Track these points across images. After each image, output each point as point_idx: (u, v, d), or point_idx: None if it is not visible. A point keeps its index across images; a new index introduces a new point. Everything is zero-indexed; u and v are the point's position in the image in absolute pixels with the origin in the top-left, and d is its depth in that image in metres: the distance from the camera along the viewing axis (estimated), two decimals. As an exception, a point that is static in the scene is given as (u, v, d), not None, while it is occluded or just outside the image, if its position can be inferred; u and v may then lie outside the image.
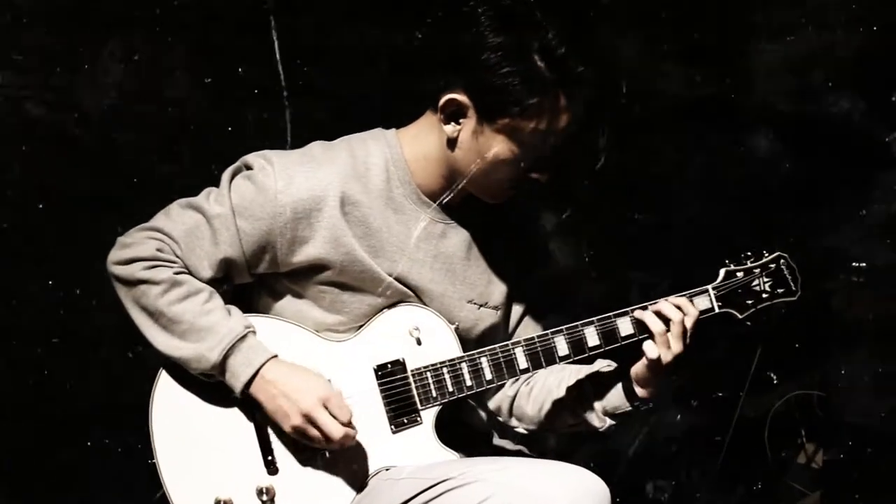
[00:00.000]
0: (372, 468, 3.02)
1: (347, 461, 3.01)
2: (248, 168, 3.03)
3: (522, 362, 3.06)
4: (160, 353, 2.98)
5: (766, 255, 3.18)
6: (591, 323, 3.07)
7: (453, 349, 3.08)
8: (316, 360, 3.02)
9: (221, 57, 4.12)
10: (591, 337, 3.07)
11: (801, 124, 4.57)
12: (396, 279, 3.05)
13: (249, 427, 3.00)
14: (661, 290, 3.09)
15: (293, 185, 2.95)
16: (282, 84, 4.16)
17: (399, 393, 3.05)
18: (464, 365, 3.06)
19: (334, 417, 2.91)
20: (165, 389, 3.01)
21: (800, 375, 4.72)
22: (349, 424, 2.93)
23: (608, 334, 3.07)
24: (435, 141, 3.03)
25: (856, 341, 4.63)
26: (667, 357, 3.02)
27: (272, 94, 4.15)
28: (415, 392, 3.05)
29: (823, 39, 4.49)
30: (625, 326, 3.08)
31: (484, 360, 3.06)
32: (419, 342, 3.07)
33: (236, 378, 2.94)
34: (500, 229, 3.17)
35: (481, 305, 3.15)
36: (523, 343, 3.07)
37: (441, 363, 3.06)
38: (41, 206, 3.97)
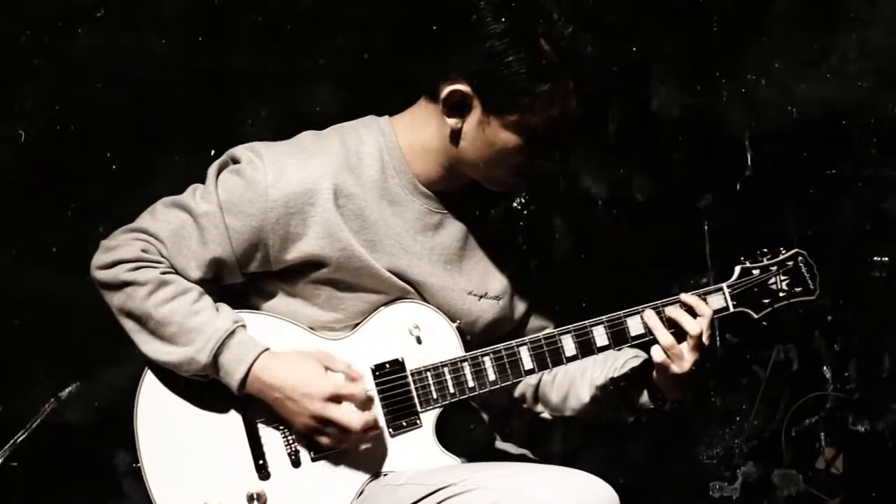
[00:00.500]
0: (369, 473, 3.01)
1: (343, 466, 2.99)
2: (236, 161, 3.01)
3: (528, 363, 3.05)
4: (149, 359, 2.98)
5: (784, 251, 3.16)
6: (601, 322, 3.06)
7: (455, 348, 3.06)
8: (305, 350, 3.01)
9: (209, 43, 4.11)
10: (600, 337, 3.06)
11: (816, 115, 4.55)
12: (395, 274, 3.03)
13: (240, 429, 2.99)
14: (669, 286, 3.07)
15: (284, 179, 2.93)
16: (272, 67, 4.14)
17: (397, 394, 3.03)
18: (466, 365, 3.04)
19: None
20: (150, 390, 3.00)
21: (818, 376, 4.71)
22: (366, 408, 2.94)
23: (618, 334, 3.06)
24: (433, 131, 3.01)
25: (877, 340, 4.60)
26: (681, 367, 3.01)
27: (263, 79, 4.12)
28: (414, 393, 3.03)
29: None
30: (635, 325, 3.06)
31: (487, 360, 3.05)
32: (419, 341, 3.05)
33: (231, 377, 2.93)
34: (499, 217, 3.17)
35: (481, 297, 3.14)
36: (528, 343, 3.05)
37: (442, 363, 3.04)
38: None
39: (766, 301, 3.13)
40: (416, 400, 3.03)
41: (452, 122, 2.95)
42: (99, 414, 3.95)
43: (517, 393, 3.34)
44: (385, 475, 3.00)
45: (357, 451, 2.99)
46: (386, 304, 3.05)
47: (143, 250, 2.97)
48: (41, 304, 4.05)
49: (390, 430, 3.02)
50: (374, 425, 2.95)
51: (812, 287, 3.15)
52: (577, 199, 4.47)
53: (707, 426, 4.69)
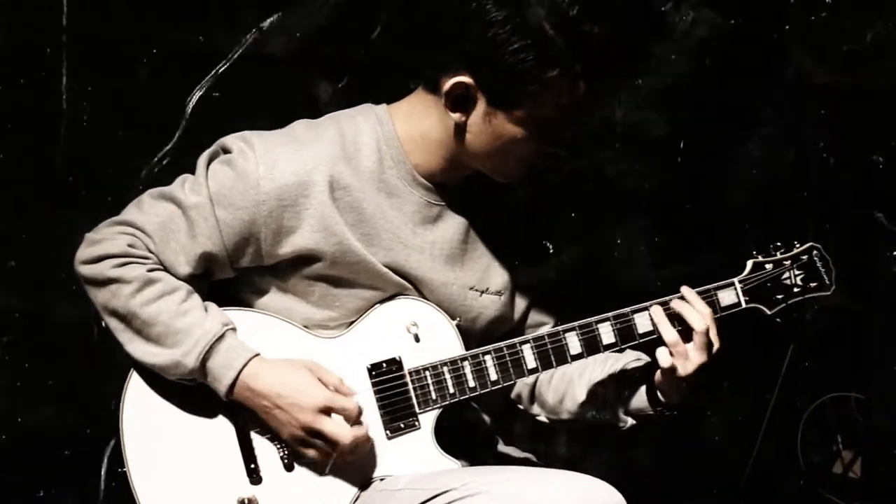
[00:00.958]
0: (366, 478, 3.00)
1: (339, 470, 2.98)
2: (226, 152, 2.99)
3: (531, 361, 3.05)
4: (135, 360, 2.97)
5: (798, 245, 3.15)
6: (607, 319, 3.06)
7: (455, 347, 3.05)
8: (296, 358, 3.00)
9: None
10: (606, 334, 3.05)
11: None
12: (393, 269, 3.02)
13: (230, 432, 2.98)
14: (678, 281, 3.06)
15: (277, 170, 2.92)
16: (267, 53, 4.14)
17: (395, 395, 3.02)
18: (466, 364, 3.04)
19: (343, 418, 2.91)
20: (137, 391, 2.99)
21: (836, 375, 4.71)
22: (357, 421, 2.92)
23: (625, 331, 3.05)
24: (434, 122, 2.99)
25: (897, 338, 4.61)
26: (685, 368, 2.99)
27: (255, 64, 4.11)
28: (412, 394, 3.03)
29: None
30: (643, 323, 3.06)
31: (488, 358, 3.04)
32: (417, 339, 3.04)
33: (219, 382, 2.92)
34: (501, 210, 3.15)
35: (483, 292, 3.13)
36: (532, 341, 3.05)
37: (441, 362, 3.04)
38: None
39: (780, 297, 3.12)
40: (415, 401, 3.02)
41: (456, 115, 2.93)
42: (82, 416, 3.94)
43: (513, 394, 3.34)
44: (382, 480, 2.99)
45: (353, 455, 2.97)
46: (382, 301, 3.04)
47: (130, 245, 2.95)
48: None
49: (387, 432, 3.01)
50: (363, 440, 2.94)
51: (827, 282, 3.15)
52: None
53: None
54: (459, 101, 2.92)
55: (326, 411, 2.90)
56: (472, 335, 3.11)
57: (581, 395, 3.22)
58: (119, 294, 2.93)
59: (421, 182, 3.04)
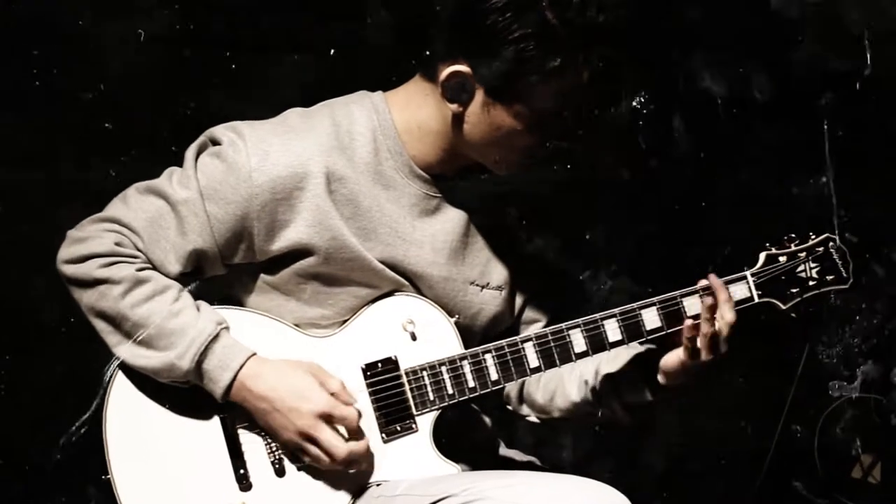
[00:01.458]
0: (361, 483, 2.99)
1: (332, 475, 2.97)
2: (216, 143, 2.98)
3: (533, 360, 3.03)
4: (124, 363, 2.95)
5: (813, 236, 3.13)
6: (613, 315, 3.04)
7: (453, 345, 3.04)
8: (297, 359, 2.99)
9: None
10: (613, 331, 3.04)
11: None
12: (389, 265, 3.01)
13: (219, 436, 2.97)
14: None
15: (269, 161, 2.90)
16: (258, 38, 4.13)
17: (391, 396, 3.01)
18: (466, 364, 3.03)
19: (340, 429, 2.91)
20: (121, 393, 2.97)
21: (854, 376, 4.69)
22: (356, 435, 2.92)
23: (632, 328, 3.04)
24: (431, 111, 2.98)
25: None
26: (708, 357, 2.99)
27: (246, 50, 4.10)
28: (409, 395, 3.02)
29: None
30: (651, 319, 3.04)
31: (489, 357, 3.03)
32: (414, 337, 3.04)
33: (215, 384, 2.91)
34: (499, 200, 3.15)
35: (483, 287, 3.13)
36: (534, 339, 3.04)
37: (439, 362, 3.03)
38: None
39: (795, 290, 3.10)
40: (412, 402, 3.01)
41: (453, 106, 2.93)
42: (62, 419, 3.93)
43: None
44: (378, 485, 2.99)
45: None
46: (378, 297, 3.04)
47: (117, 243, 2.94)
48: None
49: (383, 435, 3.00)
50: (360, 456, 2.93)
51: (845, 275, 3.13)
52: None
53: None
54: (456, 91, 2.91)
55: (326, 418, 2.89)
56: (472, 333, 3.10)
57: (573, 391, 3.21)
58: (107, 295, 2.92)
59: (418, 174, 3.03)
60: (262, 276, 3.01)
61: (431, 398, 3.01)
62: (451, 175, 3.06)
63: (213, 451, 2.96)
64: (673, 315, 3.03)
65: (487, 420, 3.26)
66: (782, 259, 3.10)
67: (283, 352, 2.98)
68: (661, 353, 3.03)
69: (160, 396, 2.96)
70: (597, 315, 3.04)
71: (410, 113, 3.01)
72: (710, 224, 4.55)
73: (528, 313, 3.24)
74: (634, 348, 3.12)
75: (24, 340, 3.99)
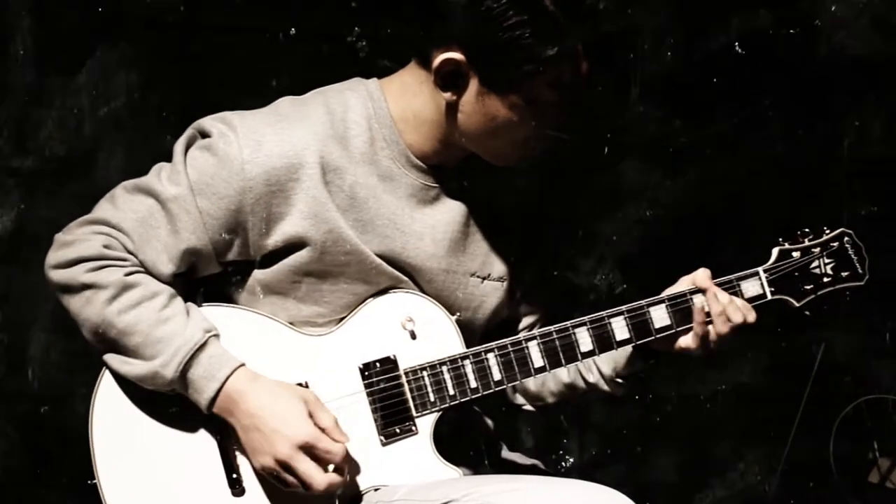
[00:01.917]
0: (358, 488, 2.98)
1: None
2: (205, 136, 2.96)
3: (538, 360, 3.03)
4: (110, 369, 2.95)
5: (828, 231, 3.14)
6: (620, 313, 3.04)
7: (454, 344, 3.04)
8: (290, 359, 2.98)
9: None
10: (620, 329, 3.04)
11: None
12: (387, 259, 3.01)
13: (211, 439, 2.96)
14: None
15: (262, 152, 2.89)
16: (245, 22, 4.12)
17: (389, 397, 3.00)
18: (468, 363, 3.02)
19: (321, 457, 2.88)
20: (109, 394, 2.96)
21: (872, 376, 4.69)
22: (340, 468, 2.89)
23: (639, 326, 3.04)
24: (426, 100, 2.98)
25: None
26: (709, 351, 3.03)
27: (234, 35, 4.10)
28: (408, 396, 3.01)
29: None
30: (660, 316, 3.05)
31: (492, 357, 3.02)
32: (413, 336, 3.03)
33: (200, 394, 2.90)
34: (500, 192, 3.14)
35: (484, 278, 3.13)
36: (538, 337, 3.03)
37: (440, 361, 3.02)
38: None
39: (809, 287, 3.10)
40: (411, 403, 3.01)
41: (448, 95, 2.92)
42: (47, 420, 3.94)
43: None
44: (376, 490, 2.98)
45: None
46: (375, 294, 3.03)
47: (106, 246, 2.92)
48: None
49: (381, 437, 2.99)
50: (337, 489, 2.89)
51: (861, 271, 3.14)
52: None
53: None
54: (450, 79, 2.91)
55: (307, 449, 2.86)
56: (473, 329, 3.11)
57: (563, 372, 3.21)
58: (94, 301, 2.91)
59: (416, 164, 3.02)
60: (255, 272, 2.99)
61: (432, 399, 3.00)
62: (449, 165, 3.06)
63: (205, 454, 2.95)
64: (683, 313, 3.03)
65: (490, 422, 3.26)
66: (796, 255, 3.11)
67: (278, 351, 2.97)
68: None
69: (149, 398, 2.95)
70: (603, 312, 3.04)
71: (406, 101, 3.00)
72: (721, 217, 4.56)
73: (529, 304, 3.25)
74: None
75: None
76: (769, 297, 3.08)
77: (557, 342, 3.02)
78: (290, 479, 2.87)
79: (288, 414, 2.87)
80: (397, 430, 2.99)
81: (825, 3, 4.59)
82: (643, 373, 3.14)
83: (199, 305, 2.99)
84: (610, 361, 3.15)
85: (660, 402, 4.29)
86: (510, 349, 3.02)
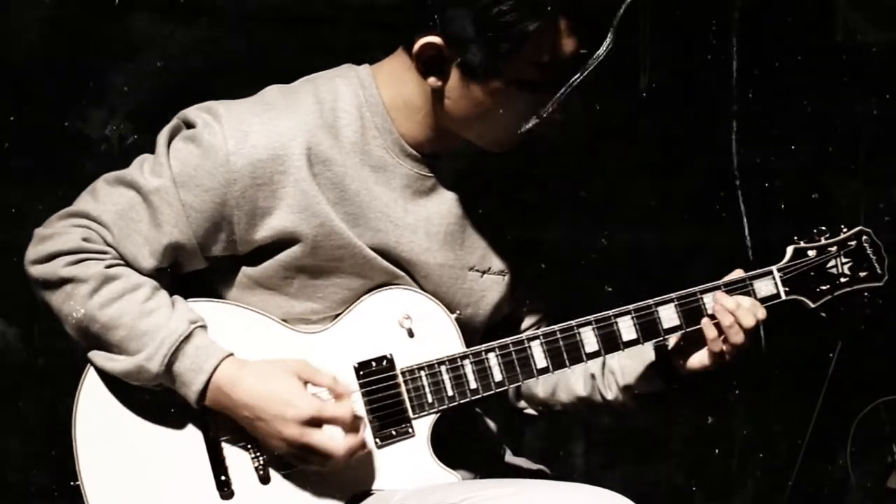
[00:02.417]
0: (353, 492, 2.97)
1: (321, 483, 2.95)
2: (189, 126, 2.95)
3: (540, 360, 3.03)
4: (94, 365, 2.94)
5: (845, 229, 3.13)
6: (627, 312, 3.04)
7: (454, 343, 3.03)
8: (282, 357, 2.96)
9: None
10: (627, 329, 3.04)
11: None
12: (381, 253, 3.00)
13: (198, 439, 2.95)
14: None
15: (248, 143, 2.88)
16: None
17: (386, 398, 3.00)
18: (467, 363, 3.02)
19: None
20: (93, 393, 2.96)
21: (890, 376, 4.68)
22: (353, 427, 2.88)
23: (647, 326, 3.04)
24: (415, 87, 2.97)
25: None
26: (725, 359, 3.01)
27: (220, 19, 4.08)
28: (405, 396, 3.00)
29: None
30: (668, 316, 3.04)
31: (492, 356, 3.02)
32: (411, 334, 3.02)
33: (187, 388, 2.89)
34: (497, 181, 3.13)
35: (484, 273, 3.13)
36: (541, 336, 3.03)
37: (438, 361, 3.01)
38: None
39: (825, 288, 3.10)
40: (408, 404, 3.00)
41: (432, 80, 2.91)
42: (29, 421, 3.92)
43: None
44: (372, 494, 2.97)
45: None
46: (371, 290, 3.02)
47: (85, 239, 2.92)
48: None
49: (377, 440, 2.98)
50: (361, 447, 2.90)
51: (879, 271, 3.13)
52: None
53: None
54: (432, 65, 2.90)
55: (315, 423, 2.86)
56: (474, 327, 3.10)
57: (579, 386, 3.23)
58: (74, 295, 2.90)
59: (410, 153, 3.01)
60: (244, 268, 2.99)
61: (430, 400, 3.00)
62: (445, 154, 3.05)
63: (192, 455, 2.94)
64: (692, 312, 3.03)
65: (491, 424, 3.26)
66: (811, 253, 3.10)
67: (269, 349, 2.96)
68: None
69: (135, 396, 2.94)
70: (610, 312, 3.03)
71: (396, 88, 3.00)
72: (734, 215, 4.54)
73: (532, 301, 3.25)
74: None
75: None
76: (783, 297, 3.07)
77: (561, 342, 3.02)
78: (311, 456, 2.87)
79: (284, 394, 2.87)
80: (393, 433, 2.99)
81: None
82: (664, 395, 3.15)
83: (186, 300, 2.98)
84: (631, 381, 3.16)
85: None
86: (512, 349, 3.01)
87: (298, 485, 2.95)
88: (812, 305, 3.09)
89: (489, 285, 3.13)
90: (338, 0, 4.11)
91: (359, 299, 3.01)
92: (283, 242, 2.93)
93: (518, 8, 2.78)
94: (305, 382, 2.90)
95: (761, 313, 3.01)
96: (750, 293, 3.05)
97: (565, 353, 3.02)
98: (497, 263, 3.14)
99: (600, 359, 3.11)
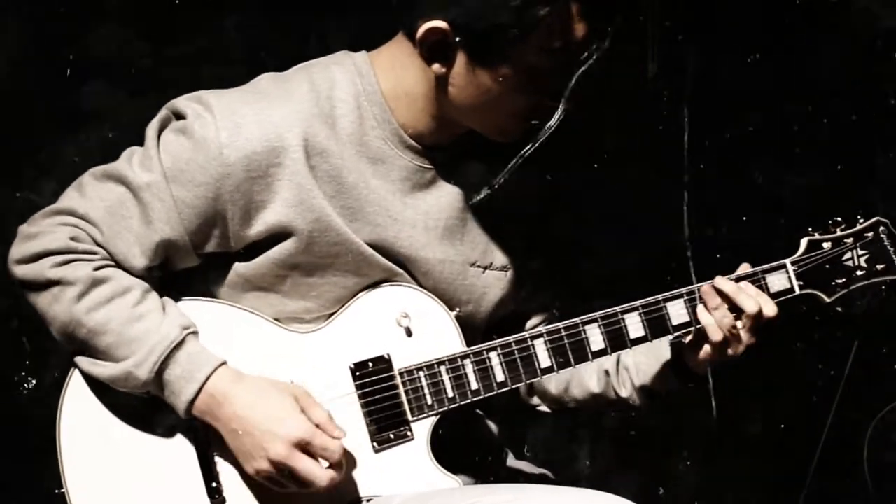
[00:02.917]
0: (349, 498, 2.97)
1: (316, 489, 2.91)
2: (179, 117, 2.94)
3: (544, 360, 3.02)
4: (81, 370, 2.93)
5: (861, 220, 3.12)
6: (635, 309, 3.03)
7: (454, 342, 3.02)
8: (275, 358, 2.96)
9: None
10: (634, 326, 3.03)
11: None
12: (379, 249, 2.99)
13: (188, 444, 2.94)
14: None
15: (242, 135, 2.87)
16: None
17: (383, 399, 2.99)
18: (468, 363, 3.01)
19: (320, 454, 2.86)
20: (78, 396, 2.95)
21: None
22: (338, 464, 2.87)
23: (655, 323, 3.04)
24: (416, 74, 2.96)
25: None
26: (737, 350, 3.02)
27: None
28: (404, 398, 2.99)
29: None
30: (677, 312, 3.04)
31: (494, 356, 3.01)
32: (409, 333, 3.01)
33: (177, 397, 2.87)
34: (498, 173, 3.07)
35: (486, 268, 3.12)
36: (545, 335, 3.02)
37: (438, 361, 3.01)
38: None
39: (841, 281, 3.09)
40: (406, 407, 2.99)
41: (436, 67, 2.90)
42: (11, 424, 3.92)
43: None
44: (369, 500, 2.97)
45: None
46: (368, 288, 3.01)
47: (73, 238, 2.90)
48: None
49: (374, 444, 2.97)
50: (336, 485, 2.88)
51: (898, 264, 3.11)
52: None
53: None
54: (436, 51, 2.89)
55: (303, 447, 2.85)
56: (475, 325, 3.10)
57: (592, 382, 3.25)
58: (61, 298, 2.89)
59: (409, 144, 3.00)
60: (235, 265, 2.97)
61: (429, 402, 2.99)
62: (446, 144, 3.04)
63: (182, 460, 2.93)
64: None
65: (493, 427, 3.25)
66: (826, 246, 3.09)
67: (261, 349, 2.96)
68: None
69: (123, 401, 2.94)
70: (616, 308, 3.03)
71: (396, 76, 2.99)
72: (745, 206, 4.54)
73: (536, 298, 3.25)
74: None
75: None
76: (797, 291, 3.06)
77: (566, 340, 3.01)
78: (288, 482, 2.85)
79: (279, 412, 2.86)
80: (391, 436, 2.98)
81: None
82: (678, 392, 3.16)
83: (176, 301, 2.97)
84: (646, 379, 3.17)
85: (676, 406, 4.28)
86: (514, 348, 3.01)
87: (292, 491, 2.91)
88: (827, 300, 3.08)
89: (491, 282, 3.12)
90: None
91: (354, 297, 3.00)
92: (276, 237, 2.92)
93: None
94: (301, 409, 2.88)
95: (769, 309, 3.00)
96: (762, 288, 3.04)
97: (570, 352, 3.01)
98: (499, 259, 3.13)
99: (615, 355, 3.12)
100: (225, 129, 2.86)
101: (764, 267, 3.05)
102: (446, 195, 3.05)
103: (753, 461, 4.75)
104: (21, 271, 2.92)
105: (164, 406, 2.90)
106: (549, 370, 3.01)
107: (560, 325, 3.02)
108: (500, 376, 3.00)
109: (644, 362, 3.17)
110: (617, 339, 3.02)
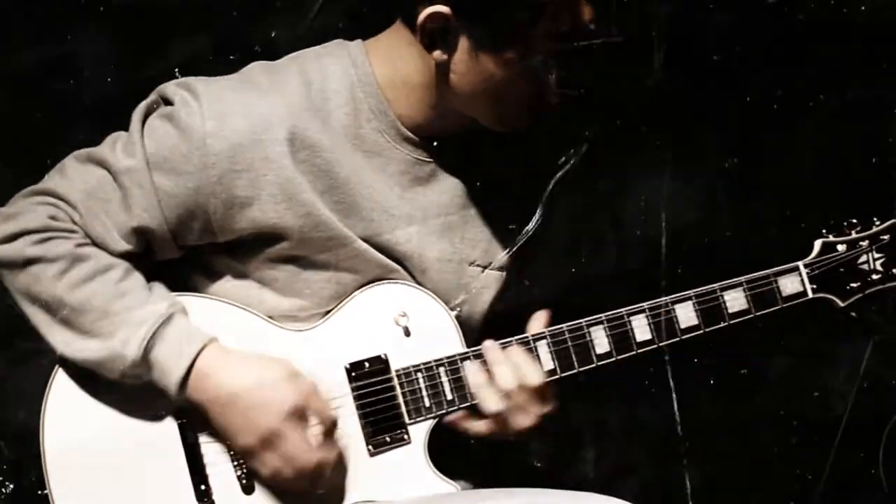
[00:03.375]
0: (343, 503, 2.96)
1: (308, 494, 2.93)
2: (167, 103, 2.94)
3: (547, 362, 3.01)
4: (62, 355, 2.92)
5: (878, 222, 3.10)
6: (641, 310, 3.03)
7: (453, 342, 3.02)
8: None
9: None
10: (641, 329, 3.02)
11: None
12: (376, 246, 2.98)
13: (177, 446, 2.94)
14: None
15: (227, 126, 2.87)
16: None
17: (379, 401, 2.98)
18: (468, 364, 2.99)
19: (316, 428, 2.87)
20: (62, 394, 2.94)
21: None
22: (328, 444, 2.88)
23: (664, 326, 3.02)
24: (415, 63, 2.95)
25: None
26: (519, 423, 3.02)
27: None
28: (401, 400, 2.99)
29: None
30: (686, 315, 3.03)
31: None
32: (407, 332, 3.01)
33: (166, 376, 2.86)
34: (501, 167, 3.12)
35: (485, 267, 3.12)
36: (548, 336, 3.02)
37: (437, 361, 3.00)
38: None
39: (856, 285, 3.08)
40: (403, 409, 2.99)
41: (437, 54, 2.90)
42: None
43: None
44: (364, 505, 2.97)
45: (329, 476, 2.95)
46: (364, 285, 3.01)
47: (52, 217, 2.91)
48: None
49: (370, 447, 2.97)
50: (328, 470, 2.89)
51: (916, 268, 3.11)
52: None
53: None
54: (437, 37, 2.88)
55: (299, 414, 2.85)
56: (471, 325, 3.09)
57: None
58: (41, 277, 2.89)
59: (407, 136, 3.00)
60: (226, 260, 2.98)
61: (427, 404, 2.99)
62: (446, 136, 3.03)
63: (170, 463, 2.93)
64: (712, 311, 3.01)
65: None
66: (841, 248, 3.08)
67: (253, 347, 2.94)
68: None
69: (108, 398, 2.94)
70: (622, 310, 3.02)
71: (393, 65, 2.98)
72: (756, 204, 4.52)
73: (538, 296, 3.24)
74: None
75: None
76: (810, 294, 3.05)
77: (570, 342, 3.01)
78: (273, 459, 2.85)
79: (271, 381, 2.87)
80: (387, 439, 2.98)
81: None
82: None
83: None
84: None
85: (684, 408, 4.27)
86: None
87: (283, 496, 2.93)
88: (841, 304, 3.07)
89: (489, 282, 3.12)
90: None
91: (350, 295, 3.00)
92: (267, 236, 2.92)
93: None
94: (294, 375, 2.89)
95: (533, 377, 2.97)
96: (774, 290, 3.03)
97: (573, 355, 3.01)
98: (499, 258, 3.12)
99: None
100: (210, 119, 2.86)
101: (776, 269, 3.04)
102: (445, 191, 3.05)
103: (765, 462, 4.74)
104: (0, 252, 2.92)
105: (151, 405, 2.91)
106: (552, 373, 3.00)
107: (564, 326, 3.02)
108: (500, 378, 3.00)
109: None
110: (623, 343, 3.01)
